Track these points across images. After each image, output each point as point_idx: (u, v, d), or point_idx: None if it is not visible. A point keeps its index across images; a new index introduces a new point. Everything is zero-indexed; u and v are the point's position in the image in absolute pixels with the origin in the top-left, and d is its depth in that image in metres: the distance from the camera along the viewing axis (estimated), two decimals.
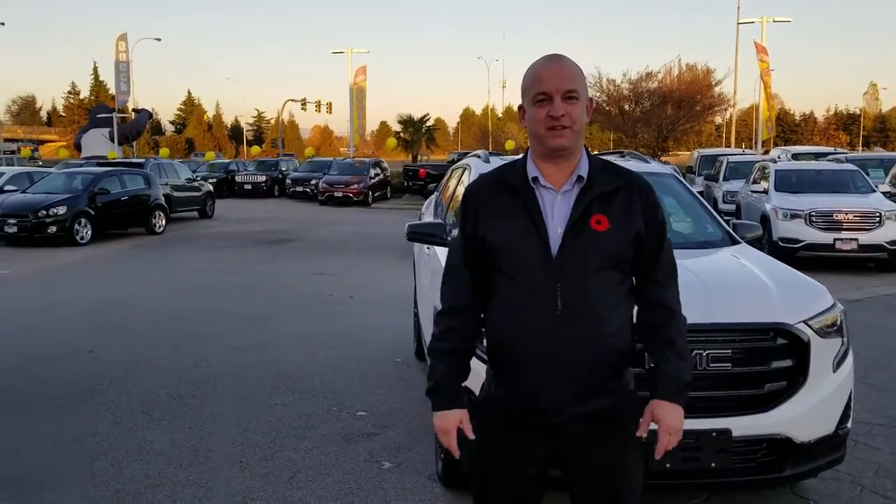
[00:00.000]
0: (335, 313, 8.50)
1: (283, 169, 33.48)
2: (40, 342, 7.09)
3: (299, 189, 29.81)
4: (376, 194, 28.17)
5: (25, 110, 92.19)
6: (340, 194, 26.83)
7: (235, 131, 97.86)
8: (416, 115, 48.44)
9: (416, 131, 47.17)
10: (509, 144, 40.86)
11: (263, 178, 31.82)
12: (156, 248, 15.34)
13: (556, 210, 2.04)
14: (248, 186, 31.42)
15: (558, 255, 1.99)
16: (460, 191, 5.46)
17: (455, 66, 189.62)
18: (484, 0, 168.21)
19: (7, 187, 16.99)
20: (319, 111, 52.67)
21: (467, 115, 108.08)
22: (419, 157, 46.51)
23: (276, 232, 17.65)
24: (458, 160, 7.73)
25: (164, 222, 18.16)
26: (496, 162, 5.28)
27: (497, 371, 2.14)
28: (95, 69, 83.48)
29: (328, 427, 4.85)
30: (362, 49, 46.58)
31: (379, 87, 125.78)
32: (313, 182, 28.90)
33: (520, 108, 2.15)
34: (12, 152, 40.26)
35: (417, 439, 4.54)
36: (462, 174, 5.66)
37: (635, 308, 2.13)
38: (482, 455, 2.17)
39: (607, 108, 39.00)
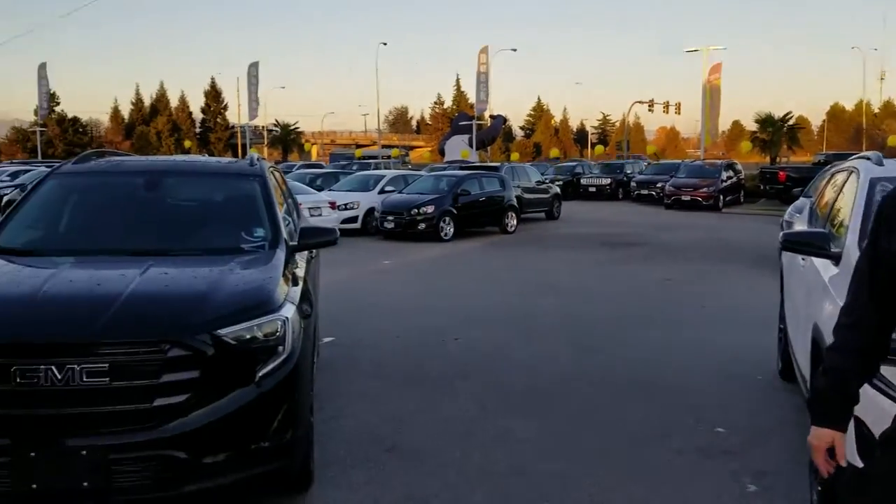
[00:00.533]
0: (685, 322, 8.22)
1: (629, 171, 33.37)
2: (417, 327, 7.95)
3: (644, 192, 29.47)
4: (728, 198, 26.65)
5: (400, 120, 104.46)
6: (688, 198, 25.90)
7: (581, 134, 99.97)
8: (774, 114, 44.65)
9: (775, 131, 43.47)
10: (893, 140, 35.74)
11: (608, 180, 32.05)
12: (508, 246, 16.30)
13: None
14: (593, 189, 31.90)
15: None
16: (841, 197, 4.92)
17: (821, 59, 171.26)
18: None
19: (387, 188, 19.40)
20: (667, 112, 51.49)
21: (835, 113, 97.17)
22: (778, 159, 42.97)
23: (620, 235, 17.65)
24: (827, 162, 6.97)
25: (515, 222, 19.22)
26: (891, 165, 4.66)
27: None
28: (458, 81, 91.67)
29: (685, 439, 4.70)
30: (718, 46, 43.94)
31: (732, 85, 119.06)
32: (659, 185, 28.35)
33: None
34: (388, 157, 45.83)
35: (786, 465, 4.19)
36: (846, 178, 5.07)
37: None
38: (883, 494, 1.92)
39: None
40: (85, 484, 3.06)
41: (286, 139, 62.71)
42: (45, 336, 3.14)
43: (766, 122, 44.09)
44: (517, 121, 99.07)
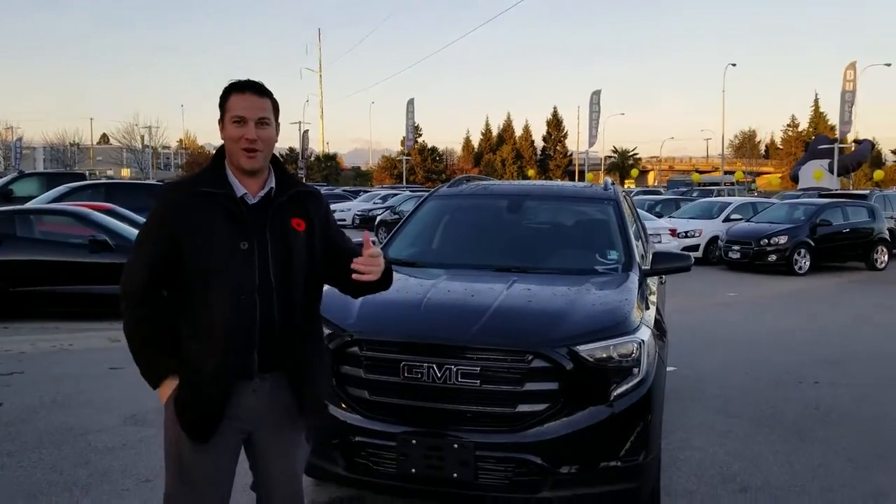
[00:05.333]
0: None
1: None
2: (767, 364, 7.39)
3: None
4: None
5: (746, 144, 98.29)
6: None
7: None
8: None
9: None
10: None
11: None
12: (876, 285, 14.46)
13: None
14: None
15: None
16: None
17: None
18: None
19: (733, 216, 18.38)
20: None
21: None
22: None
23: None
24: None
25: (886, 258, 17.00)
26: None
27: None
28: (816, 101, 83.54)
29: None
30: None
31: None
32: None
33: None
34: (733, 183, 43.28)
35: None
36: None
37: None
38: None
39: None
40: (455, 475, 3.36)
41: (623, 165, 62.80)
42: (430, 337, 3.53)
43: None
44: (888, 144, 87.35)
